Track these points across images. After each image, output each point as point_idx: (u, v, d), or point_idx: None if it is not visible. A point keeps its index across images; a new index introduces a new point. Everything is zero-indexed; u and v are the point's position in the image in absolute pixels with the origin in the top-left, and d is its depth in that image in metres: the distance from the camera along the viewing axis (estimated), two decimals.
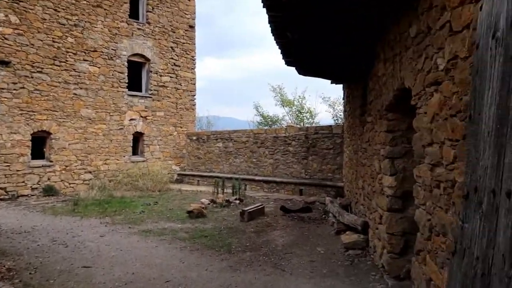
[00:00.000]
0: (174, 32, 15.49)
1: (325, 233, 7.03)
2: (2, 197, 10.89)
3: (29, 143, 11.54)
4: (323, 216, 8.57)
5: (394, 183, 4.45)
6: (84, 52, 12.69)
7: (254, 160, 13.55)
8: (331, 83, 10.60)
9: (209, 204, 10.10)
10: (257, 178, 12.84)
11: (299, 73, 8.20)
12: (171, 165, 15.57)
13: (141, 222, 8.08)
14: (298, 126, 15.17)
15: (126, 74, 13.93)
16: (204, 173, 14.88)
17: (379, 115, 4.95)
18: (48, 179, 11.93)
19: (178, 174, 15.53)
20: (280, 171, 12.78)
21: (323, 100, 20.56)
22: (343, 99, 10.75)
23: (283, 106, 20.37)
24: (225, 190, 11.70)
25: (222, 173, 14.23)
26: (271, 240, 6.62)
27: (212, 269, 5.08)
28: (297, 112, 19.96)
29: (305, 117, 19.72)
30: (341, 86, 11.05)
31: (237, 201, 10.30)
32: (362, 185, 6.63)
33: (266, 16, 4.06)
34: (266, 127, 19.17)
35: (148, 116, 14.71)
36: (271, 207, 9.75)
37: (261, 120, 21.36)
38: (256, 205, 8.82)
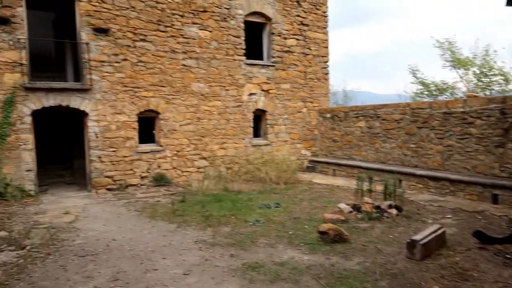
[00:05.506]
0: None
1: None
2: (109, 186, 9.56)
3: (136, 125, 9.92)
4: None
5: None
6: (193, 14, 10.46)
7: (413, 146, 9.71)
8: None
9: (350, 212, 6.96)
10: (418, 172, 9.03)
11: None
12: (300, 150, 12.70)
13: (251, 245, 5.43)
14: (486, 96, 10.51)
15: (243, 38, 11.39)
16: (342, 160, 11.62)
17: None
18: (158, 166, 10.24)
19: (309, 161, 12.59)
20: (454, 164, 8.74)
21: None
22: None
23: (456, 68, 14.63)
24: (372, 188, 8.34)
25: (366, 162, 10.81)
26: None
27: None
28: (479, 76, 13.83)
29: (493, 83, 13.68)
30: None
31: (393, 210, 6.87)
32: None
33: None
34: (429, 100, 14.20)
35: (271, 89, 11.99)
36: (452, 227, 6.10)
37: (419, 89, 15.95)
38: (433, 229, 5.28)
